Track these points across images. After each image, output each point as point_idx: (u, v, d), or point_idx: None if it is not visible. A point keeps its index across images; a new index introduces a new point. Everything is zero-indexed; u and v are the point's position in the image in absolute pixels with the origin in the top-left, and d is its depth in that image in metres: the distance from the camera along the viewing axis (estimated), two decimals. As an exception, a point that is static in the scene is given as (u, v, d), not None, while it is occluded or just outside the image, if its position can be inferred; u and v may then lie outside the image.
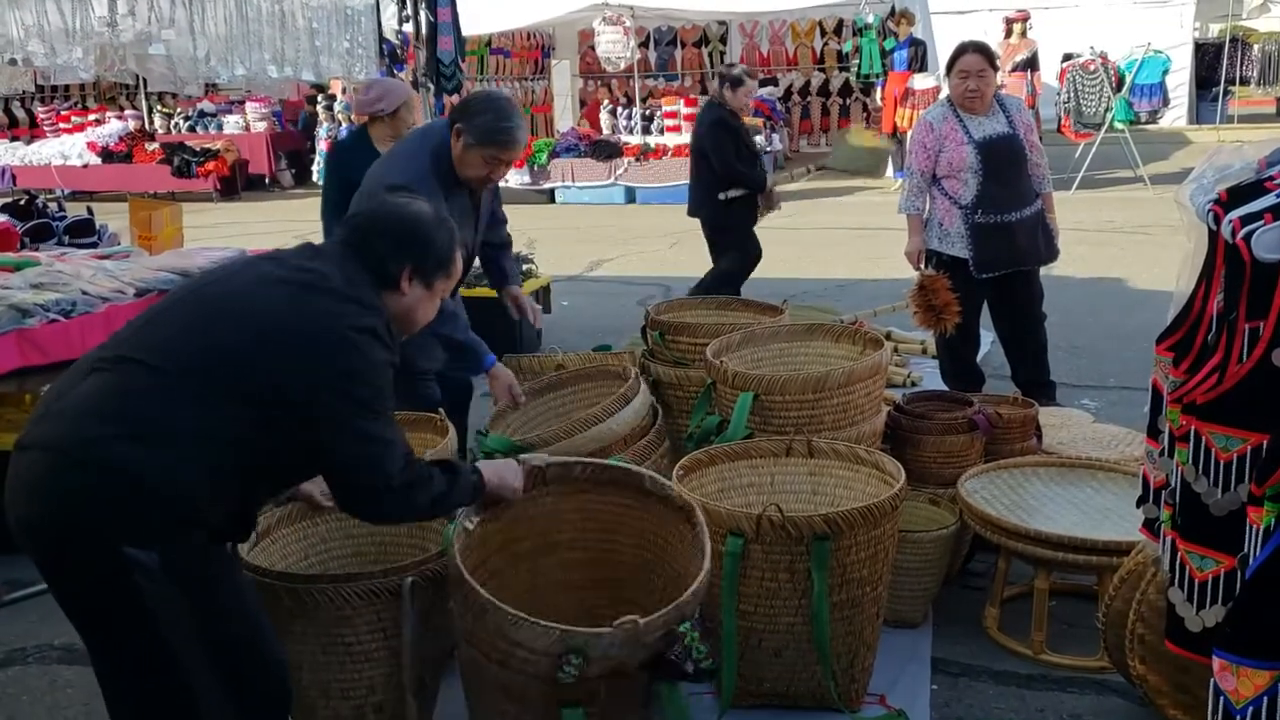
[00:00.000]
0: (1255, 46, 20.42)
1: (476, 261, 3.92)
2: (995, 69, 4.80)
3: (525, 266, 6.41)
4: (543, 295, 6.56)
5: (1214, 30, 20.17)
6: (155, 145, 15.08)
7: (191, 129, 15.76)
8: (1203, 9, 18.16)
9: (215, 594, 2.05)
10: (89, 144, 15.20)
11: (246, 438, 2.00)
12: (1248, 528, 1.70)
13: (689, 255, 9.63)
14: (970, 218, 4.64)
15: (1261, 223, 1.74)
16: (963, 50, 4.76)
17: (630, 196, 13.15)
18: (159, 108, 16.66)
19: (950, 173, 4.67)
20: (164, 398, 1.98)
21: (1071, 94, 12.71)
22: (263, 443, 2.03)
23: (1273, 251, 1.71)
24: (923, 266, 4.76)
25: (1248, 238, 1.73)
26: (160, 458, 1.94)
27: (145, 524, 1.94)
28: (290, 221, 12.08)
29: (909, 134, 12.37)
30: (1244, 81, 20.20)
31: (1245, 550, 1.71)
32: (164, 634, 1.98)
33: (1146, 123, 12.86)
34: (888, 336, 5.42)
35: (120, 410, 1.97)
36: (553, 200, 13.41)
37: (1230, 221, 1.80)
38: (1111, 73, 12.53)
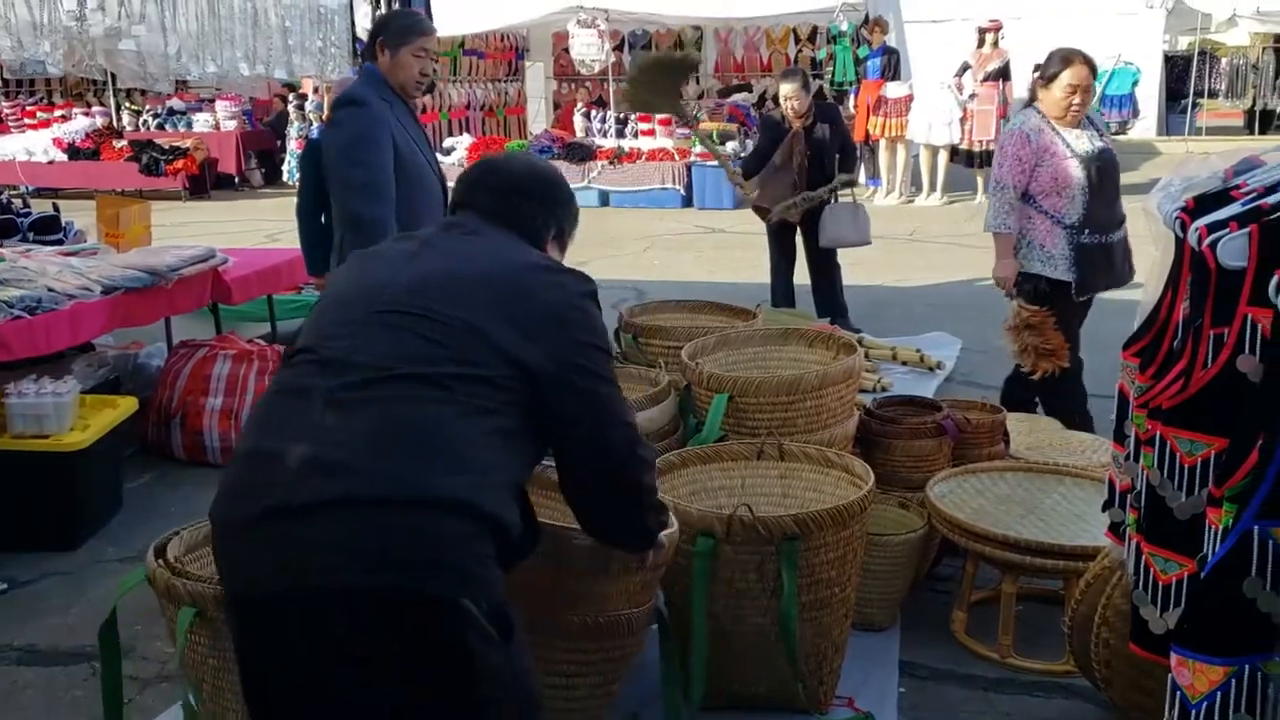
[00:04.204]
0: (1223, 60, 20.71)
1: None
2: (1096, 78, 4.46)
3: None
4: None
5: (1183, 43, 20.43)
6: (123, 142, 14.89)
7: (160, 126, 15.59)
8: (1172, 22, 18.37)
9: (527, 650, 1.84)
10: (55, 140, 15.00)
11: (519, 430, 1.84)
12: (1206, 528, 1.73)
13: (662, 259, 9.66)
14: (1075, 238, 4.26)
15: (1227, 231, 1.76)
16: (1069, 60, 4.29)
17: (604, 200, 13.15)
18: (127, 105, 16.50)
19: (1054, 189, 4.27)
20: (444, 413, 1.77)
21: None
22: (528, 428, 1.86)
23: (1237, 259, 1.73)
24: (1013, 292, 4.37)
25: (1213, 245, 1.75)
26: (469, 480, 1.74)
27: (474, 563, 1.72)
28: (260, 221, 12.00)
29: (879, 142, 12.49)
30: (1212, 94, 20.48)
31: (1205, 551, 1.73)
32: (486, 713, 1.73)
33: (1116, 133, 13.03)
34: (859, 342, 5.45)
35: (412, 438, 1.73)
36: (526, 202, 13.37)
37: (1197, 229, 1.82)
38: (1082, 83, 12.65)
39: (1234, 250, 1.73)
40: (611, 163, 13.18)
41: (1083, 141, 4.31)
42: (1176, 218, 1.92)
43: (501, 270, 1.93)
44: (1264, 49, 20.35)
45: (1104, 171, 4.29)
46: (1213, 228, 1.78)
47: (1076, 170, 4.25)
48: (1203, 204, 1.90)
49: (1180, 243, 1.93)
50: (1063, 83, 4.27)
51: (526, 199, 2.11)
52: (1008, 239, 4.37)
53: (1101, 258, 4.28)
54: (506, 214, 2.08)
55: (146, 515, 4.30)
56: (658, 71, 6.51)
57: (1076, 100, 4.28)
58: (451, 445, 1.75)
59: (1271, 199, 1.79)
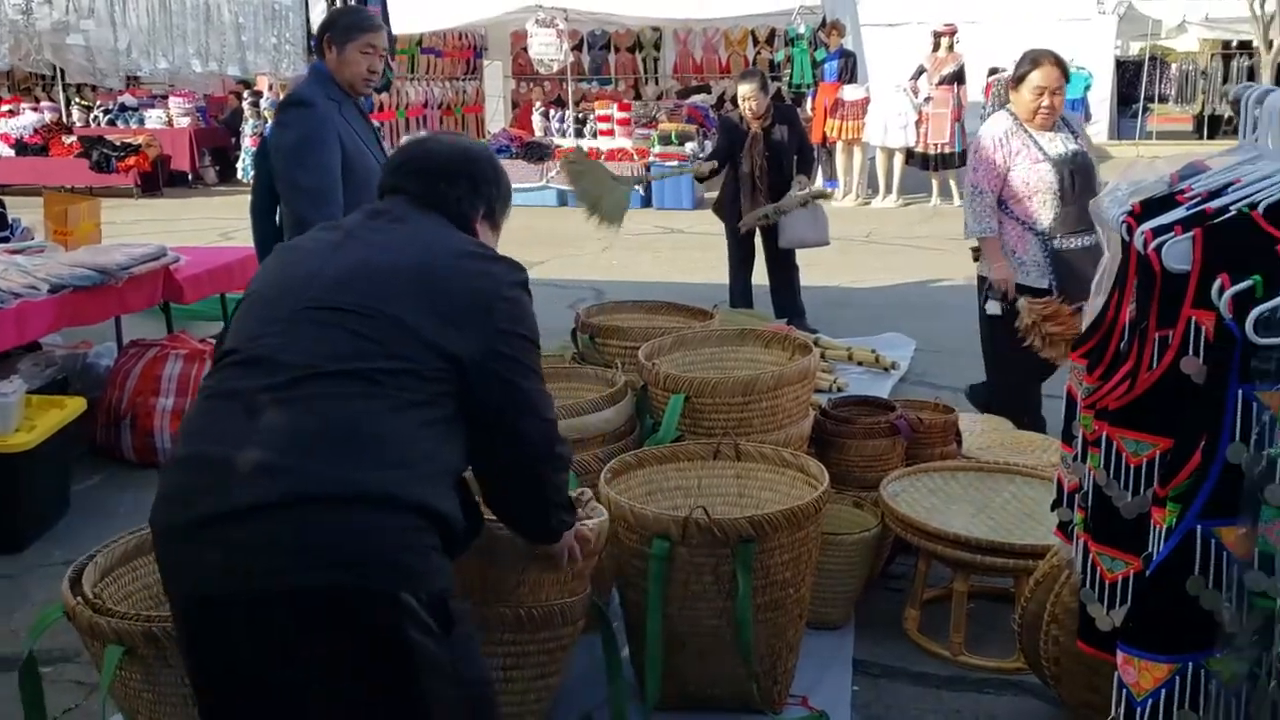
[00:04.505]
0: (1173, 65, 21.11)
1: None
2: (1068, 81, 4.31)
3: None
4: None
5: (1134, 49, 20.79)
6: (73, 138, 14.64)
7: (112, 123, 15.35)
8: (1124, 28, 18.69)
9: (469, 640, 1.86)
10: (2, 135, 14.73)
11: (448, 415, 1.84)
12: (1151, 527, 1.75)
13: (621, 259, 9.66)
14: (1048, 244, 4.20)
15: (1172, 234, 1.78)
16: (1038, 61, 4.20)
17: (562, 199, 13.12)
18: (78, 100, 16.22)
19: (1025, 194, 4.21)
20: (374, 407, 1.77)
21: (996, 107, 12.95)
22: (460, 416, 1.87)
23: (1181, 262, 1.76)
24: (1015, 295, 4.24)
25: (1158, 249, 1.78)
26: (404, 474, 1.74)
27: (412, 555, 1.73)
28: (214, 219, 11.84)
29: (837, 144, 12.57)
30: (1163, 99, 20.86)
31: (1149, 550, 1.76)
32: (428, 706, 1.73)
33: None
34: (816, 343, 5.48)
35: (345, 437, 1.73)
36: (483, 202, 13.32)
37: (1142, 233, 1.84)
38: (1035, 88, 12.82)
39: (1178, 254, 1.76)
40: (570, 162, 13.16)
41: (1056, 144, 4.23)
42: (1123, 221, 1.94)
43: (427, 259, 1.92)
44: (1212, 55, 20.78)
45: (1079, 175, 4.18)
46: (1158, 231, 1.81)
47: (1048, 174, 4.18)
48: (1149, 208, 1.93)
49: (1127, 246, 1.96)
50: (1031, 84, 4.20)
51: (449, 180, 2.07)
52: (993, 242, 4.29)
53: (1078, 263, 4.11)
54: (431, 197, 2.06)
55: (95, 517, 4.23)
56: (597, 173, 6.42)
57: (1046, 102, 4.19)
58: (382, 440, 1.75)
59: (1215, 203, 1.82)
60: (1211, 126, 19.85)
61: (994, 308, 4.32)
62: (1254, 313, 1.58)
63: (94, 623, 2.19)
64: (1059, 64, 4.21)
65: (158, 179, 14.55)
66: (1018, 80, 4.28)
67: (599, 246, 10.30)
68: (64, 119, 15.65)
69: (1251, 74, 19.36)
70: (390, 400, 1.78)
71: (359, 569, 1.69)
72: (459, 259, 1.95)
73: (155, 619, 2.20)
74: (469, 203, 2.08)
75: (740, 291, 6.74)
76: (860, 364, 5.89)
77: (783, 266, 6.67)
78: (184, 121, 15.19)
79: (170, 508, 1.80)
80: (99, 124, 15.39)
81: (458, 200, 2.07)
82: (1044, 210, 4.21)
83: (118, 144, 14.25)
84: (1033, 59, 4.22)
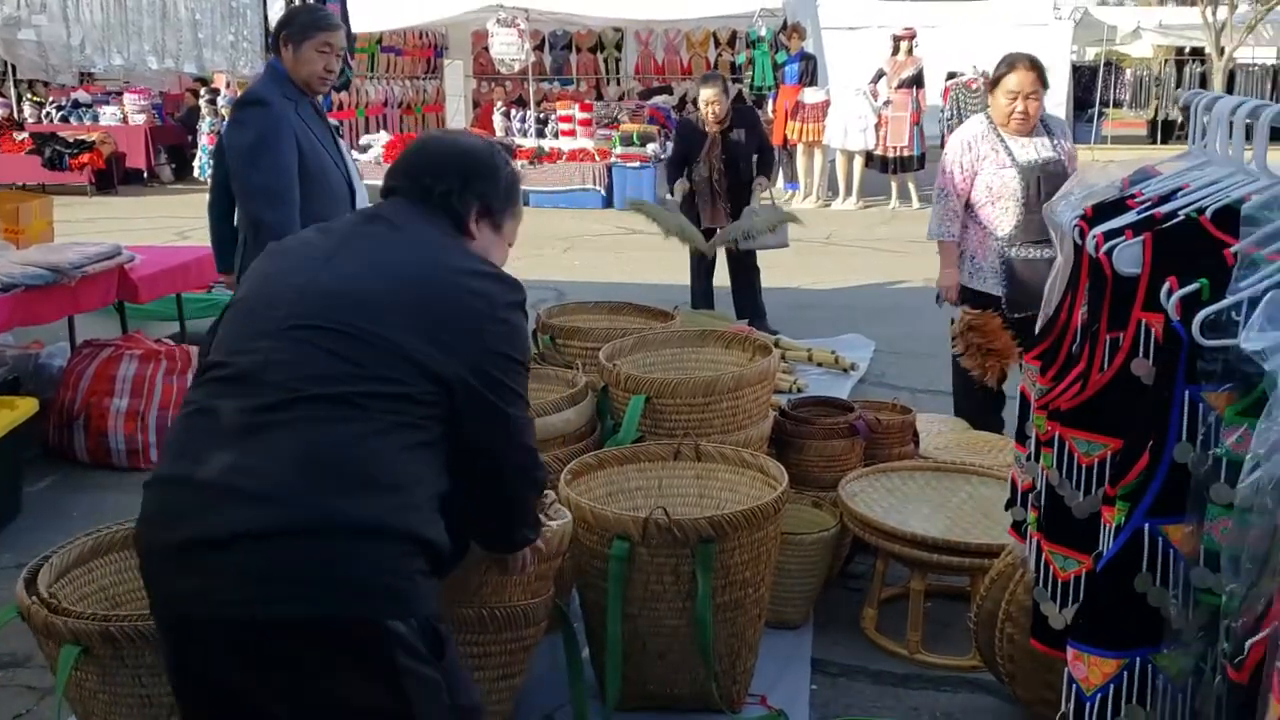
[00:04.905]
0: (1128, 71, 21.42)
1: None
2: (1046, 86, 4.18)
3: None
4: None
5: (1090, 54, 21.09)
6: (24, 135, 14.39)
7: (65, 119, 15.09)
8: (1079, 33, 18.92)
9: (459, 667, 1.83)
10: (-49, 131, 14.48)
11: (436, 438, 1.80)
12: (1102, 526, 1.79)
13: (583, 260, 9.66)
14: (1005, 251, 4.12)
15: (1122, 238, 1.82)
16: (1011, 65, 4.12)
17: (524, 199, 13.04)
18: (29, 96, 15.95)
19: (988, 199, 4.14)
20: (359, 432, 1.72)
21: (954, 111, 13.12)
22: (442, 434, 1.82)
23: (1132, 266, 1.79)
24: (956, 301, 4.25)
25: (1109, 253, 1.81)
26: (389, 501, 1.71)
27: (401, 581, 1.70)
28: (170, 217, 11.70)
29: (797, 146, 12.64)
30: (1117, 104, 21.16)
31: (1100, 548, 1.79)
32: None
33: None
34: (776, 344, 5.51)
35: (328, 462, 1.69)
36: (444, 201, 13.26)
37: (1094, 237, 1.88)
38: (992, 92, 12.97)
39: (1129, 258, 1.79)
40: (532, 162, 13.12)
41: (1028, 150, 4.13)
42: (1075, 225, 1.98)
43: (421, 275, 1.86)
44: (1166, 61, 21.11)
45: (1046, 182, 3.98)
46: (1109, 235, 1.85)
47: (1013, 180, 4.09)
48: (1100, 212, 1.96)
49: (1079, 250, 2.00)
50: (1005, 87, 4.12)
51: (440, 177, 1.98)
52: (949, 246, 4.25)
53: (1031, 273, 4.01)
54: (424, 197, 1.98)
55: (48, 519, 4.17)
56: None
57: (1020, 107, 4.08)
58: (367, 467, 1.72)
59: (1164, 208, 1.86)
60: (1165, 131, 20.17)
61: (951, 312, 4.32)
62: (1200, 315, 1.61)
63: (50, 622, 2.16)
64: (1035, 68, 4.11)
65: (112, 177, 14.35)
66: (994, 83, 4.22)
67: (561, 247, 10.29)
68: (15, 115, 15.38)
69: (1204, 80, 19.71)
70: (376, 424, 1.74)
71: (344, 599, 1.66)
72: (454, 275, 1.88)
73: (112, 618, 2.17)
74: (459, 199, 1.98)
75: (701, 293, 6.76)
76: (820, 365, 5.92)
77: (744, 268, 6.70)
78: (139, 119, 14.97)
79: (151, 529, 1.77)
80: (51, 120, 15.14)
81: (445, 196, 1.97)
82: (1005, 217, 4.13)
83: (71, 141, 14.02)
84: (1009, 62, 4.15)
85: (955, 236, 4.25)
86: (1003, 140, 4.15)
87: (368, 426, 1.73)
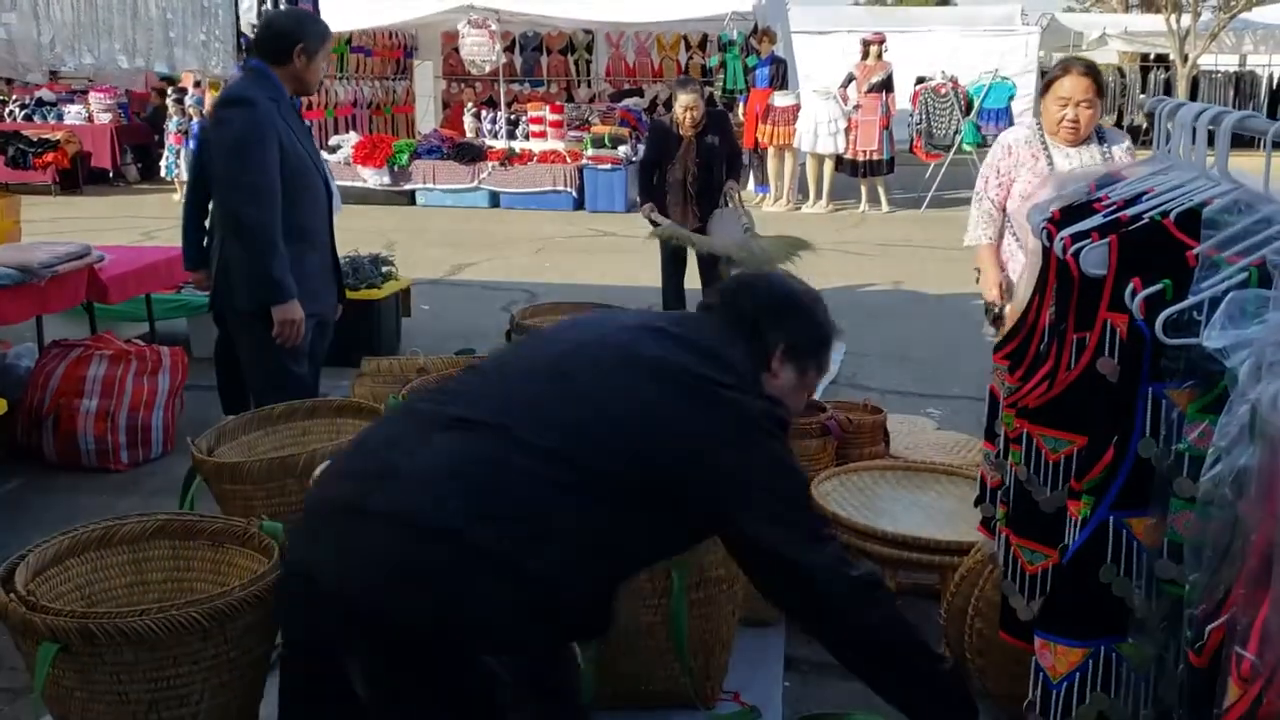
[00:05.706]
0: (1092, 77, 21.63)
1: None
2: (1103, 95, 3.88)
3: (385, 268, 6.33)
4: (403, 298, 6.48)
5: (1056, 59, 21.30)
6: (-12, 133, 14.24)
7: (29, 118, 14.91)
8: (1046, 39, 19.15)
9: (565, 709, 1.84)
10: (-87, 130, 14.28)
11: (628, 538, 1.81)
12: (1068, 519, 1.83)
13: (554, 261, 9.67)
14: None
15: (1089, 240, 1.86)
16: (1065, 68, 3.81)
17: (494, 201, 13.09)
18: (-7, 94, 15.76)
19: (1021, 207, 3.92)
20: (538, 482, 1.72)
21: (923, 116, 13.25)
22: (643, 537, 1.84)
23: (1098, 267, 1.83)
24: (1004, 300, 4.01)
25: (1076, 254, 1.85)
26: (535, 549, 1.69)
27: (508, 624, 1.69)
28: (135, 217, 11.60)
29: (768, 150, 12.71)
30: (1082, 109, 21.35)
31: (1066, 540, 1.83)
32: None
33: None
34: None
35: (488, 487, 1.71)
36: (413, 202, 13.24)
37: (1062, 239, 1.92)
38: (961, 97, 13.12)
39: (1095, 259, 1.83)
40: (502, 164, 13.11)
41: (1072, 161, 3.81)
42: (1043, 228, 2.02)
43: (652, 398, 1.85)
44: (1131, 67, 21.38)
45: None
46: (1076, 238, 1.89)
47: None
48: (1068, 215, 2.01)
49: (1047, 251, 2.04)
50: (1055, 93, 3.82)
51: (752, 298, 2.04)
52: (989, 249, 4.06)
53: None
54: (731, 315, 2.01)
55: (16, 521, 4.13)
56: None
57: (1070, 114, 3.77)
58: (527, 506, 1.72)
59: (1130, 211, 1.90)
60: (1131, 136, 20.40)
61: (989, 331, 4.10)
62: (1163, 315, 1.65)
63: (27, 619, 2.14)
64: (1090, 74, 3.78)
65: (77, 176, 14.18)
66: (1045, 87, 3.95)
67: (533, 248, 10.30)
68: (-22, 113, 15.20)
69: (1168, 86, 20.01)
70: (558, 485, 1.74)
71: (443, 618, 1.67)
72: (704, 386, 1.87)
73: (91, 615, 2.16)
74: (769, 327, 2.00)
75: (673, 294, 6.79)
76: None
77: (715, 270, 6.73)
78: (105, 117, 14.81)
79: (324, 487, 1.86)
80: (14, 119, 14.95)
81: (755, 320, 1.99)
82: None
83: (35, 140, 13.86)
84: (1064, 65, 3.86)
85: (993, 240, 4.07)
86: (1046, 148, 3.89)
87: (549, 479, 1.76)
